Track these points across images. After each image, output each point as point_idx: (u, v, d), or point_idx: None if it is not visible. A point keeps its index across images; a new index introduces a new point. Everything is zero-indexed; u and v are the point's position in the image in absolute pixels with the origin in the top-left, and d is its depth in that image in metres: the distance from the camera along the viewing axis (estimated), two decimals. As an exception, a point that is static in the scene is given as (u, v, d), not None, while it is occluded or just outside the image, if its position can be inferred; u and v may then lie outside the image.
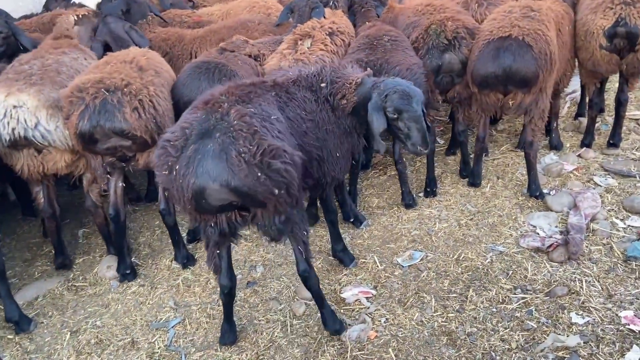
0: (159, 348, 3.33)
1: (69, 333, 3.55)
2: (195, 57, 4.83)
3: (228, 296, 3.13)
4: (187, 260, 4.09)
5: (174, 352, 3.28)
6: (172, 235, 4.06)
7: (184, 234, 4.35)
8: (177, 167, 2.57)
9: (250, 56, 4.14)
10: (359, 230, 4.28)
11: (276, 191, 2.60)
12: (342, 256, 3.88)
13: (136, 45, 4.48)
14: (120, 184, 3.91)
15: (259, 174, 2.53)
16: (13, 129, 3.48)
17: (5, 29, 4.52)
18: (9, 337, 3.56)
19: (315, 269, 3.80)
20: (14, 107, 3.50)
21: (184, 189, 2.56)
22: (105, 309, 3.75)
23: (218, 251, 2.96)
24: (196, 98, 3.68)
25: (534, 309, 3.29)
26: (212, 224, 2.78)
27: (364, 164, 5.24)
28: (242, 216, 2.78)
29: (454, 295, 3.50)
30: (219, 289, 3.15)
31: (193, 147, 2.56)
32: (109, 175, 3.81)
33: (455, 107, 4.70)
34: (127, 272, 3.99)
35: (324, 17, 4.48)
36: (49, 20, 5.88)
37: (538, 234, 4.00)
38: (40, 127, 3.55)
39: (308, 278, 3.10)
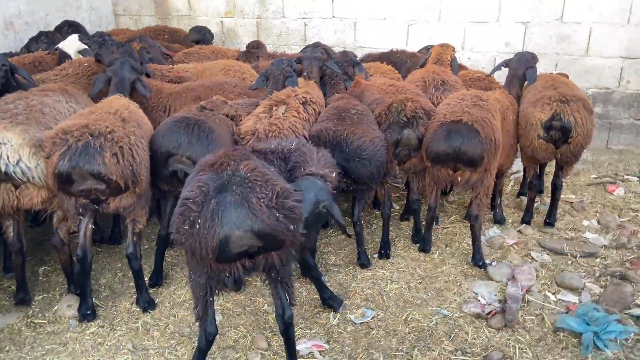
0: (115, 389, 3.41)
1: (23, 370, 3.58)
2: (170, 111, 5.12)
3: (209, 343, 3.32)
4: (148, 305, 4.21)
5: (129, 394, 3.38)
6: (136, 279, 4.19)
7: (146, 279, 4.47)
8: (200, 220, 2.80)
9: (227, 116, 4.47)
10: (314, 286, 4.54)
11: (292, 227, 2.91)
12: (331, 302, 4.22)
13: (141, 93, 4.83)
14: (91, 226, 4.04)
15: (277, 215, 2.85)
16: (-4, 164, 3.63)
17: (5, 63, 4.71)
18: (-39, 371, 3.56)
19: (271, 322, 4.04)
20: (-1, 143, 3.67)
21: (208, 240, 2.79)
22: (63, 348, 3.80)
23: (211, 299, 3.16)
24: (173, 150, 4.03)
25: (471, 371, 3.60)
26: (228, 273, 3.01)
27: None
28: (253, 262, 3.04)
29: (401, 354, 3.77)
30: (179, 336, 3.30)
31: (214, 200, 2.81)
32: (80, 217, 3.96)
33: (411, 177, 5.14)
34: (88, 313, 4.05)
35: (297, 86, 4.91)
36: (30, 62, 6.09)
37: (479, 300, 4.37)
38: (21, 163, 3.71)
39: (291, 325, 3.35)
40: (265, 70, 5.28)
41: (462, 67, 6.84)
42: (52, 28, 7.82)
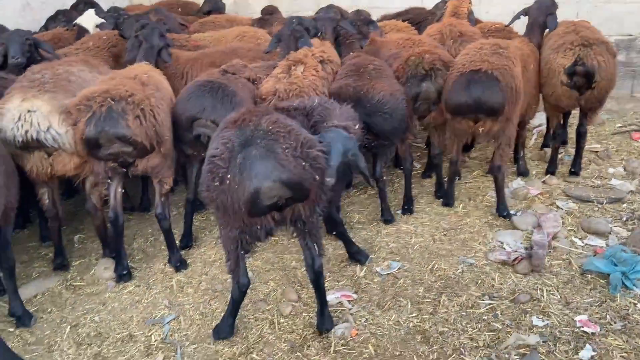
0: (155, 341, 3.57)
1: (68, 327, 3.76)
2: (187, 78, 5.18)
3: (243, 294, 3.44)
4: (180, 264, 4.36)
5: (169, 345, 3.53)
6: (167, 239, 4.33)
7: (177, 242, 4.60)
8: (229, 176, 2.87)
9: (248, 79, 4.51)
10: (340, 242, 4.61)
11: (317, 177, 2.99)
12: (358, 256, 4.30)
13: (164, 60, 4.93)
14: (120, 189, 4.18)
15: (304, 163, 2.93)
16: (26, 132, 3.75)
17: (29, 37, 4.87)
18: (10, 329, 3.74)
19: (299, 276, 4.14)
20: (29, 111, 3.78)
21: (239, 194, 2.86)
22: (103, 307, 3.97)
23: (242, 252, 3.27)
24: (197, 114, 4.10)
25: (499, 313, 3.64)
26: (259, 226, 3.10)
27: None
28: (282, 215, 3.13)
29: (428, 300, 3.84)
30: (217, 290, 3.41)
31: (240, 155, 2.88)
32: (109, 180, 4.09)
33: (431, 132, 5.14)
34: (124, 273, 4.22)
35: (311, 46, 4.89)
36: (50, 39, 6.19)
37: (505, 249, 4.40)
38: (52, 130, 3.83)
39: (321, 274, 3.43)
40: (277, 32, 5.27)
41: (479, 22, 6.70)
42: (68, 7, 7.89)
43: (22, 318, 3.78)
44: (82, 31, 6.27)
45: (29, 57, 4.83)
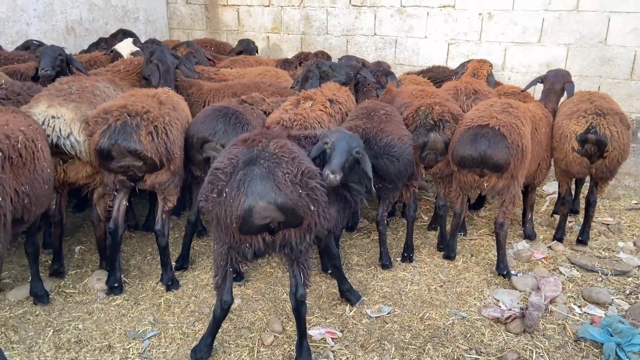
0: (132, 354, 3.55)
1: (51, 330, 3.78)
2: (209, 105, 5.40)
3: (224, 312, 3.43)
4: (171, 283, 4.38)
5: (145, 359, 3.50)
6: (162, 257, 4.38)
7: (173, 262, 4.64)
8: (227, 189, 2.97)
9: (264, 112, 4.68)
10: (334, 281, 4.58)
11: (312, 207, 3.05)
12: (349, 296, 4.25)
13: (186, 75, 5.21)
14: (125, 203, 4.29)
15: (300, 191, 2.99)
16: (47, 136, 3.92)
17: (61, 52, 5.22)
18: (-5, 326, 3.79)
19: (287, 309, 4.11)
20: (52, 117, 3.98)
21: (233, 209, 2.94)
22: (89, 315, 3.99)
23: (231, 269, 3.30)
24: (209, 136, 4.24)
25: (484, 369, 3.53)
26: (248, 245, 3.14)
27: (351, 226, 5.63)
28: (273, 238, 3.16)
29: (413, 347, 3.75)
30: (198, 309, 3.41)
31: (242, 172, 2.98)
32: (116, 192, 4.20)
33: (437, 183, 5.16)
34: (115, 286, 4.26)
35: (319, 87, 5.05)
36: (86, 61, 6.56)
37: (500, 306, 4.29)
38: (71, 137, 4.00)
39: (303, 303, 3.40)
40: (305, 71, 5.51)
41: (499, 84, 6.85)
42: (107, 35, 8.37)
43: (42, 297, 4.14)
44: (117, 56, 6.62)
45: (59, 70, 5.13)
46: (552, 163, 5.49)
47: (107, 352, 3.57)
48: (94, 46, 7.86)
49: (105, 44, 7.80)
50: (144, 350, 3.59)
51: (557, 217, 5.92)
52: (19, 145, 3.31)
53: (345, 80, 5.22)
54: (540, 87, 5.95)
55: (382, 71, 6.01)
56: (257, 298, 4.33)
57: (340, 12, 8.87)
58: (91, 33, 8.44)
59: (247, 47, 8.69)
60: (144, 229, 5.49)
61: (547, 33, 7.59)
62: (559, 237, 5.55)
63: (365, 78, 5.62)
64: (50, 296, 4.22)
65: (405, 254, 5.04)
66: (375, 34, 8.70)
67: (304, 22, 9.21)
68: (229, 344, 3.71)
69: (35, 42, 6.97)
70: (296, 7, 9.21)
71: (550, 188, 6.82)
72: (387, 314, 4.14)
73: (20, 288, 4.27)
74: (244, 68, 6.88)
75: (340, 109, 4.77)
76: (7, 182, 3.12)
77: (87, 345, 3.63)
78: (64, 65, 5.17)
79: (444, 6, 8.06)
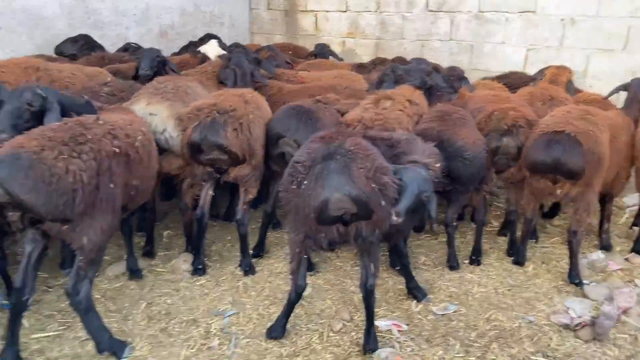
0: (214, 329, 3.90)
1: (144, 303, 4.21)
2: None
3: (298, 296, 3.71)
4: (249, 269, 4.72)
5: (226, 334, 3.84)
6: (241, 244, 4.73)
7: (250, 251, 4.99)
8: (305, 182, 3.23)
9: (338, 111, 4.92)
10: (400, 278, 4.72)
11: (383, 202, 3.23)
12: (415, 292, 4.39)
13: (258, 81, 5.61)
14: (211, 192, 4.67)
15: (373, 186, 3.20)
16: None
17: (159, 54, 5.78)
18: (97, 296, 4.25)
19: (355, 300, 4.31)
20: (150, 114, 4.43)
21: (310, 200, 3.20)
22: (176, 292, 4.41)
23: (306, 257, 3.56)
24: (283, 132, 4.54)
25: (550, 372, 3.56)
26: (323, 234, 3.37)
27: (419, 227, 5.74)
28: (346, 229, 3.38)
29: (478, 344, 3.83)
30: (274, 294, 3.68)
31: (319, 166, 3.23)
32: (204, 183, 4.60)
33: (509, 188, 5.17)
34: (199, 267, 4.66)
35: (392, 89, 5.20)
36: (177, 63, 7.09)
37: (569, 314, 4.26)
38: (166, 132, 4.44)
39: (372, 293, 3.60)
40: (381, 75, 5.71)
41: (579, 92, 6.69)
42: (195, 40, 8.98)
43: (135, 272, 4.62)
44: (205, 59, 7.13)
45: (156, 71, 5.65)
46: (633, 173, 5.34)
47: (193, 325, 3.94)
48: (184, 49, 8.47)
49: (195, 47, 8.38)
50: (225, 327, 3.93)
51: (637, 229, 5.73)
52: (137, 144, 3.72)
53: (419, 84, 5.34)
54: (623, 95, 5.79)
55: (455, 76, 6.08)
56: (327, 288, 4.57)
57: (416, 17, 8.98)
58: (181, 37, 9.09)
59: (321, 51, 9.00)
60: (224, 219, 5.90)
61: (633, 40, 7.31)
62: (637, 249, 5.38)
63: (437, 83, 5.71)
64: (143, 273, 4.68)
65: (473, 257, 5.10)
66: (451, 39, 8.73)
67: (379, 27, 9.40)
68: (301, 327, 3.97)
69: (133, 44, 7.65)
70: (373, 12, 9.42)
71: (631, 200, 6.56)
72: (453, 312, 4.24)
73: (117, 265, 4.76)
74: (321, 71, 7.18)
75: (417, 110, 4.90)
76: (121, 176, 3.52)
77: (175, 318, 4.03)
78: (160, 66, 5.69)
79: (524, 11, 7.96)
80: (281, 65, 7.25)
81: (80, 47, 6.99)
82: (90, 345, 3.61)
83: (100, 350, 3.52)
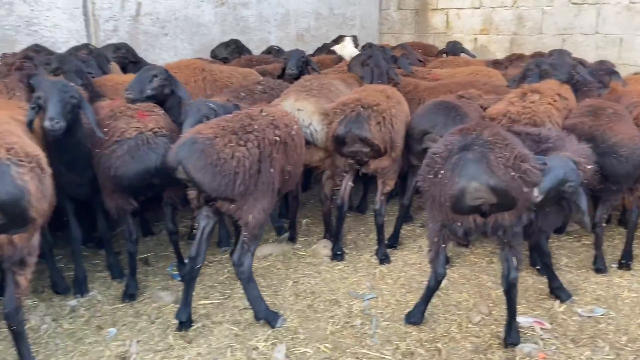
0: (355, 309, 4.14)
1: (290, 282, 4.59)
2: (425, 102, 5.79)
3: (437, 284, 3.82)
4: (384, 257, 4.92)
5: (367, 316, 4.06)
6: (378, 234, 4.94)
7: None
8: (442, 172, 3.34)
9: (481, 106, 4.91)
10: (541, 277, 4.59)
11: (525, 189, 3.22)
12: (559, 293, 4.28)
13: (393, 79, 5.78)
14: (350, 184, 4.94)
15: (513, 174, 3.20)
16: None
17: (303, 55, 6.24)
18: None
19: (493, 296, 4.29)
20: (298, 109, 4.81)
21: (447, 189, 3.30)
22: (318, 274, 4.73)
23: (444, 245, 3.66)
24: (430, 128, 4.64)
25: None
26: (460, 223, 3.45)
27: (560, 228, 5.51)
28: (484, 220, 3.41)
29: (630, 349, 3.64)
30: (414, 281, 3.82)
31: (456, 156, 3.31)
32: (344, 174, 4.87)
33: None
34: (338, 253, 4.95)
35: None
36: (316, 62, 7.53)
37: None
38: (311, 127, 4.78)
39: (514, 286, 3.57)
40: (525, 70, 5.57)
41: None
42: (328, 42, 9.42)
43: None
44: (340, 59, 7.49)
45: (300, 70, 6.07)
46: None
47: (335, 305, 4.22)
48: (318, 51, 8.94)
49: (327, 50, 8.81)
50: (365, 309, 4.15)
51: None
52: (293, 132, 4.10)
53: (566, 79, 5.13)
54: None
55: (605, 70, 5.73)
56: (463, 282, 4.60)
57: (557, 10, 8.55)
58: (315, 39, 9.60)
59: (453, 49, 8.93)
60: (358, 211, 6.16)
61: None
62: None
63: (583, 76, 5.42)
64: (290, 256, 5.08)
65: (623, 261, 4.79)
66: (596, 33, 8.19)
67: (515, 22, 9.10)
68: (438, 316, 4.07)
69: (275, 47, 8.25)
70: (508, 8, 9.14)
71: None
72: (601, 315, 4.05)
73: (265, 246, 5.21)
74: (454, 68, 7.16)
75: (567, 105, 4.72)
76: (280, 162, 3.92)
77: (319, 297, 4.34)
78: (304, 66, 6.11)
79: (685, 0, 7.23)
80: (414, 63, 7.36)
81: (232, 51, 7.73)
82: (248, 314, 4.04)
83: (257, 318, 3.92)
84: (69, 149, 3.96)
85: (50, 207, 3.29)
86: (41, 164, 3.11)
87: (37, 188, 2.98)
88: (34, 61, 4.58)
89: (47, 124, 3.57)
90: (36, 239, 3.15)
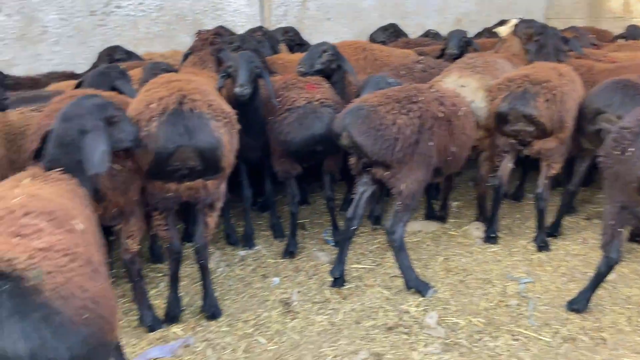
0: (510, 291, 4.03)
1: (441, 258, 4.60)
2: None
3: (609, 269, 3.54)
4: (543, 244, 4.68)
5: (523, 298, 3.93)
6: (539, 219, 4.71)
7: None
8: (631, 149, 3.09)
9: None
10: None
11: None
12: None
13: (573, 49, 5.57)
14: (510, 165, 4.75)
15: None
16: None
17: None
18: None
19: None
20: (461, 86, 4.76)
21: (635, 168, 3.06)
22: (469, 254, 4.66)
23: (620, 230, 3.39)
24: (604, 107, 4.30)
25: None
26: None
27: None
28: None
29: None
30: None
31: None
32: (505, 154, 4.71)
33: None
34: (492, 236, 4.83)
35: None
36: (481, 44, 7.32)
37: None
38: (474, 104, 4.70)
39: None
40: None
41: None
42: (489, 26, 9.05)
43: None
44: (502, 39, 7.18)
45: (461, 51, 5.98)
46: None
47: (488, 284, 4.14)
48: (478, 36, 8.66)
49: (488, 34, 8.51)
50: (521, 291, 4.01)
51: None
52: (461, 113, 4.11)
53: None
54: None
55: None
56: (634, 277, 4.22)
57: None
58: (475, 24, 9.28)
59: (633, 33, 8.04)
60: (513, 198, 5.90)
61: None
62: None
63: None
64: (439, 235, 5.07)
65: None
66: None
67: None
68: (604, 307, 3.78)
69: (432, 31, 8.20)
70: None
71: None
72: None
73: (414, 223, 5.27)
74: (635, 52, 6.46)
75: None
76: (441, 138, 3.95)
77: (470, 274, 4.29)
78: (465, 46, 6.01)
79: None
80: (585, 46, 6.79)
81: (389, 35, 7.86)
82: (399, 281, 4.15)
83: (408, 286, 4.01)
84: (248, 115, 4.40)
85: (234, 162, 3.72)
86: (233, 120, 3.55)
87: (229, 141, 3.41)
88: (223, 38, 5.15)
89: (237, 90, 4.03)
90: (223, 187, 3.60)
